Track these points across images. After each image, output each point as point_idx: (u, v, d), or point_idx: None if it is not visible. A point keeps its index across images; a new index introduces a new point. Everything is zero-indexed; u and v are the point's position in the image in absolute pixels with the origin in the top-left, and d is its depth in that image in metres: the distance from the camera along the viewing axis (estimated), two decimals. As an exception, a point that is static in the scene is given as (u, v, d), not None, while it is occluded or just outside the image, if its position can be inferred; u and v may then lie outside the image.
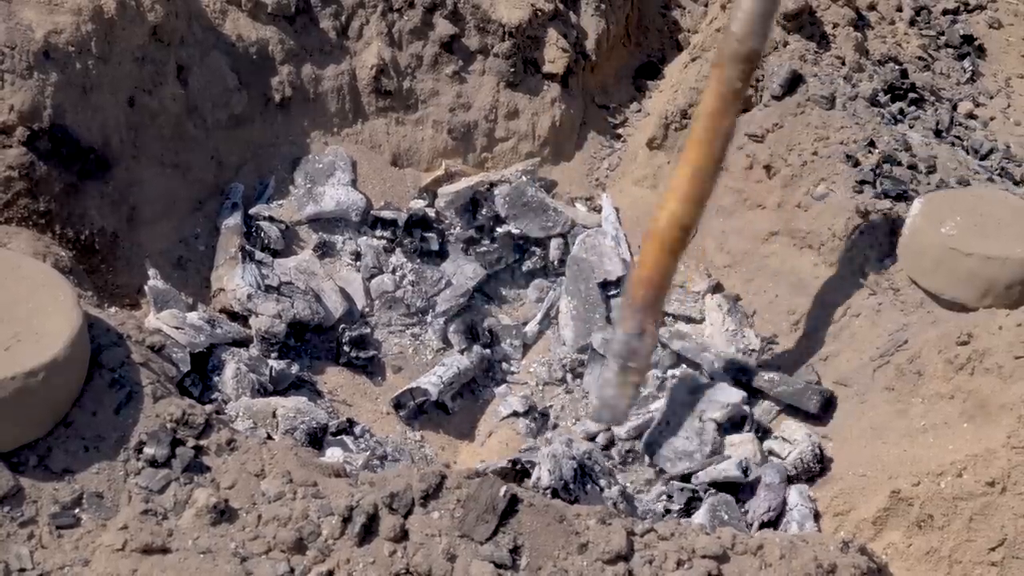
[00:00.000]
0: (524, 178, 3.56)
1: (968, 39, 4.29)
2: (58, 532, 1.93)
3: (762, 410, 2.94)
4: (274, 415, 2.62)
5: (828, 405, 2.85)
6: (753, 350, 3.13)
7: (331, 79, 3.49)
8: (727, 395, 2.87)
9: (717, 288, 3.34)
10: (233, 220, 3.10)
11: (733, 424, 2.83)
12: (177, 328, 2.69)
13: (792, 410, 2.91)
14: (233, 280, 2.94)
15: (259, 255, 3.06)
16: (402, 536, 1.92)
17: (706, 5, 4.03)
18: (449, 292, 3.21)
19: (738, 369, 2.97)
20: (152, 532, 1.91)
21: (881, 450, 2.60)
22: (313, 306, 2.98)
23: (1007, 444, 2.28)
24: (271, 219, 3.22)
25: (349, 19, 3.51)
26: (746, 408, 2.86)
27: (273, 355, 2.90)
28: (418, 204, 3.46)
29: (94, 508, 1.97)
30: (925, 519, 2.32)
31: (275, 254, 3.14)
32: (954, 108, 3.77)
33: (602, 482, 2.39)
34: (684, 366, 3.08)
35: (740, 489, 2.66)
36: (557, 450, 2.38)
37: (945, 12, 4.38)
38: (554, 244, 3.45)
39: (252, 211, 3.22)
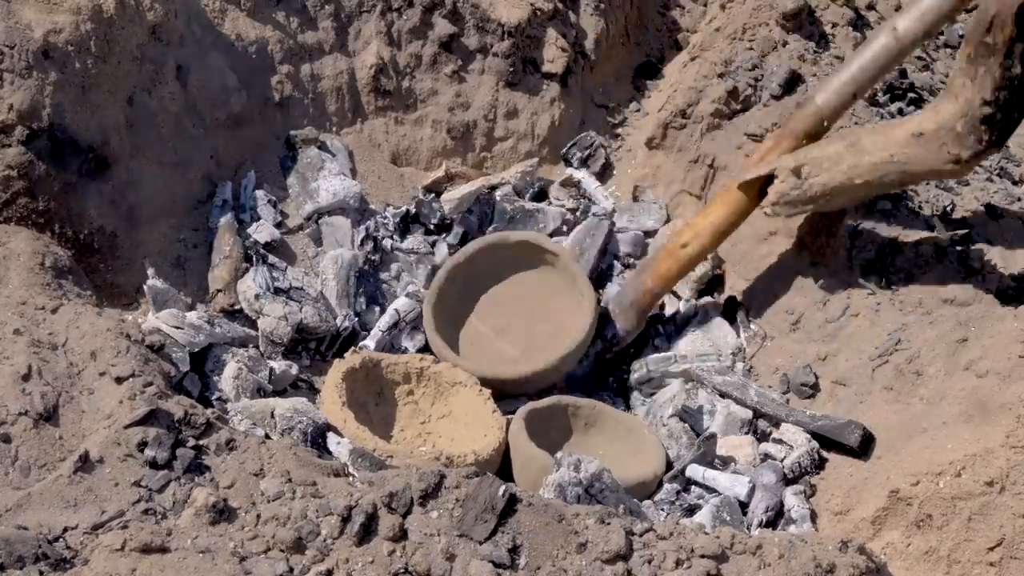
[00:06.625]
0: (527, 179, 3.57)
1: (967, 39, 4.27)
2: (57, 531, 1.93)
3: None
4: (272, 415, 2.62)
5: (868, 442, 2.68)
6: (749, 350, 3.13)
7: (330, 78, 3.49)
8: (670, 391, 2.91)
9: (716, 288, 3.34)
10: (225, 219, 3.09)
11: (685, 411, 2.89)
12: (176, 328, 2.69)
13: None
14: (246, 281, 2.95)
15: (271, 258, 3.06)
16: (401, 535, 1.92)
17: (705, 5, 4.02)
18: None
19: (759, 401, 2.92)
20: (151, 531, 1.91)
21: (880, 449, 2.60)
22: (322, 313, 2.97)
23: (1006, 444, 2.28)
24: (278, 223, 3.22)
25: (348, 19, 3.51)
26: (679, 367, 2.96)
27: (277, 356, 2.90)
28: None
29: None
30: (924, 519, 2.32)
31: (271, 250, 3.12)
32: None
33: (608, 502, 2.35)
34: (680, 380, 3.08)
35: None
36: (564, 478, 2.33)
37: (944, 12, 4.36)
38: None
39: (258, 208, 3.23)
